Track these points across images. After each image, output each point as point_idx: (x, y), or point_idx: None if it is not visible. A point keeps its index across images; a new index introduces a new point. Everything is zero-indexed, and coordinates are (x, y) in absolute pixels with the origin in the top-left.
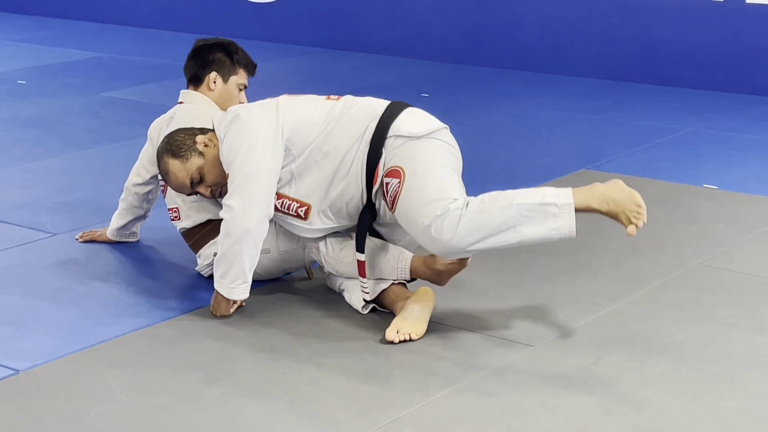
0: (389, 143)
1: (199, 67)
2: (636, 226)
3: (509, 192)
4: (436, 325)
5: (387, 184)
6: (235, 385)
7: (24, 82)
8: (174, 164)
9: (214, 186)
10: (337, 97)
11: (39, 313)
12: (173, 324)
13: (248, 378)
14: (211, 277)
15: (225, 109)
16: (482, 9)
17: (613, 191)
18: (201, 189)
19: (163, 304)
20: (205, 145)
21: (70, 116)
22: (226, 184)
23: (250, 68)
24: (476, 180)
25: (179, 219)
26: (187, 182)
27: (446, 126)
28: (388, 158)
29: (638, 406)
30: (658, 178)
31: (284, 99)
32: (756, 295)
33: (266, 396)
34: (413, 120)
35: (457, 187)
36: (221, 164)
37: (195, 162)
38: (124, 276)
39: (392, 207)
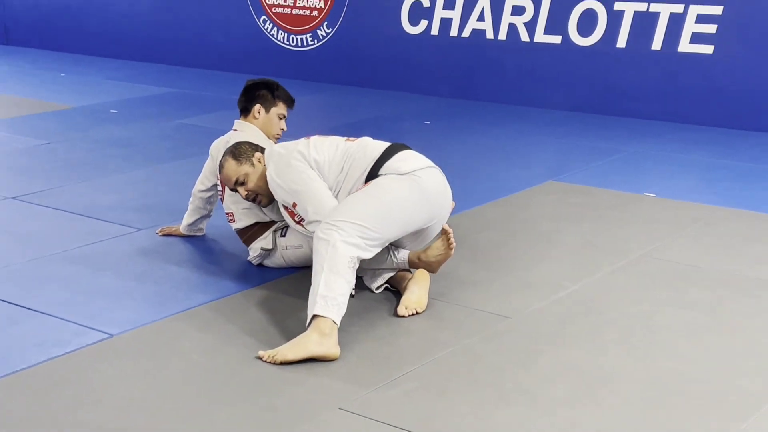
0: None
1: (247, 101)
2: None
3: (327, 265)
4: (435, 302)
5: None
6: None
7: (115, 111)
8: (230, 163)
9: (250, 192)
10: (354, 138)
11: (128, 290)
12: (231, 300)
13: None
14: (260, 265)
15: (268, 134)
16: (472, 55)
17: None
18: (240, 189)
19: (223, 284)
20: (258, 161)
21: (151, 138)
22: (260, 194)
23: (289, 102)
24: (468, 183)
25: (234, 221)
26: (233, 180)
27: (433, 166)
28: None
29: (594, 365)
30: (609, 188)
31: (314, 139)
32: (686, 279)
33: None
34: (402, 160)
35: (360, 218)
36: (262, 179)
37: (245, 168)
38: (194, 262)
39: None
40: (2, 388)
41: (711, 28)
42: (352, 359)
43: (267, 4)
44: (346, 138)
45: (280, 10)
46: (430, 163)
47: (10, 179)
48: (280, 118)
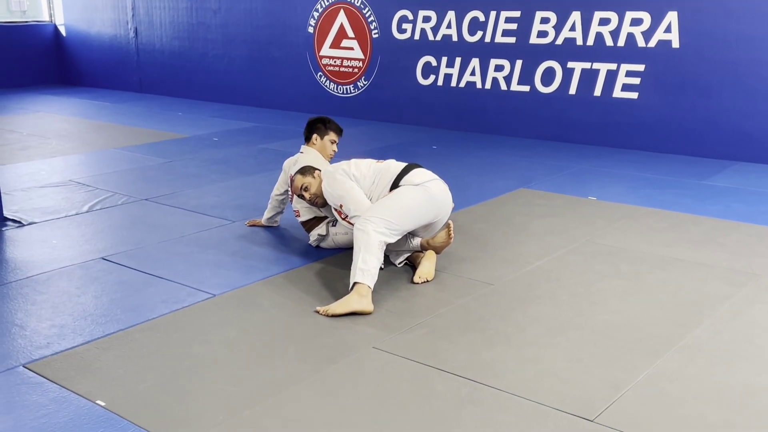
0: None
1: (308, 131)
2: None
3: (363, 247)
4: (440, 274)
5: None
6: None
7: (217, 139)
8: (298, 177)
9: (312, 195)
10: (382, 160)
11: (225, 263)
12: (297, 271)
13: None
14: (317, 246)
15: (324, 155)
16: (466, 99)
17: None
18: (305, 194)
19: (292, 260)
20: (316, 176)
21: (242, 158)
22: (317, 197)
23: (338, 131)
24: (463, 190)
25: (299, 216)
26: (299, 187)
27: (437, 178)
28: None
29: (552, 317)
30: (564, 194)
31: (354, 161)
32: (617, 257)
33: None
34: (416, 175)
35: (386, 215)
36: (319, 188)
37: (308, 180)
38: (271, 245)
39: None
40: (139, 331)
41: (636, 80)
42: (382, 312)
43: (322, 65)
44: (376, 160)
45: (331, 68)
46: (435, 176)
47: (144, 186)
48: (332, 143)
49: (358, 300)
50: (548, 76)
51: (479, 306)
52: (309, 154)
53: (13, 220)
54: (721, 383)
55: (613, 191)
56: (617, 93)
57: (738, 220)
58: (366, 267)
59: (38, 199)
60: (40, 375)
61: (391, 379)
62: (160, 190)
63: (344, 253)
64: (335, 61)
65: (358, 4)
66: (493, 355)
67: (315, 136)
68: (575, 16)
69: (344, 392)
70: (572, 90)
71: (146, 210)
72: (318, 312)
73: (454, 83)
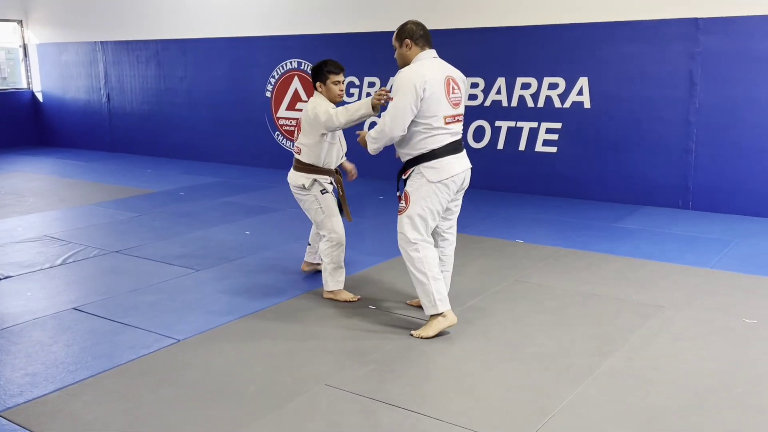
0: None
1: (312, 80)
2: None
3: (429, 275)
4: (387, 313)
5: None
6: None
7: (183, 194)
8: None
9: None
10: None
11: (189, 309)
12: (257, 315)
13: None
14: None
15: (332, 97)
16: None
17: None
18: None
19: (250, 305)
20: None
21: (206, 210)
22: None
23: (336, 70)
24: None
25: (299, 153)
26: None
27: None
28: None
29: (488, 352)
30: (494, 237)
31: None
32: (543, 294)
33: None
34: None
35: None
36: (402, 57)
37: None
38: (233, 291)
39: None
40: (108, 377)
41: (555, 136)
42: (335, 352)
43: (279, 125)
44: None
45: (287, 128)
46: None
47: (115, 239)
48: (335, 84)
49: (444, 320)
50: (479, 134)
51: (421, 342)
52: (316, 100)
53: None
54: (633, 406)
55: (538, 234)
56: (539, 147)
57: (645, 258)
58: (440, 296)
59: (14, 254)
60: (12, 422)
61: (341, 414)
62: (130, 242)
63: (304, 294)
64: (291, 122)
65: (310, 72)
66: (433, 387)
67: (318, 83)
68: (500, 82)
69: (299, 428)
70: (500, 145)
71: (117, 262)
72: (412, 335)
73: None
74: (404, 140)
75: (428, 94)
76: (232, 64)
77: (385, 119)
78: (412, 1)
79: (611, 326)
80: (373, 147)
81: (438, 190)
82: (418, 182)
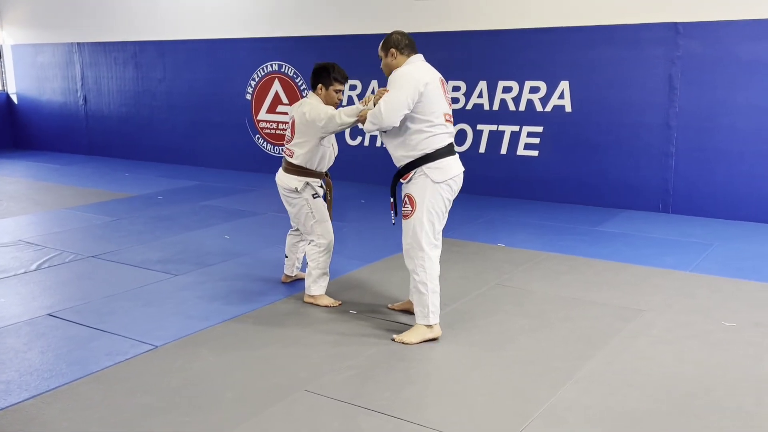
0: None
1: (314, 79)
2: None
3: (430, 286)
4: (368, 318)
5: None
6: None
7: (161, 198)
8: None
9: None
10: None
11: (167, 315)
12: (236, 321)
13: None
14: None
15: (330, 103)
16: (388, 159)
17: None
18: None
19: (229, 310)
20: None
21: (185, 214)
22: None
23: (342, 80)
24: (386, 236)
25: (291, 156)
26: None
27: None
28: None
29: (469, 356)
30: (476, 241)
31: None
32: (524, 298)
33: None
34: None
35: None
36: (390, 64)
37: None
38: (211, 296)
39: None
40: (84, 384)
41: (536, 140)
42: (313, 357)
43: (260, 128)
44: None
45: (268, 131)
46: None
47: (91, 244)
48: (337, 92)
49: (429, 332)
50: (460, 137)
51: (402, 347)
52: (312, 101)
53: None
54: (613, 410)
55: (519, 238)
56: (520, 151)
57: (626, 261)
58: (434, 309)
59: None
60: None
61: (321, 420)
62: (107, 247)
63: (285, 299)
64: (271, 125)
65: (291, 74)
66: (414, 392)
67: (320, 86)
68: (482, 85)
69: None
70: (482, 149)
71: (93, 267)
72: (393, 340)
73: (378, 144)
74: (404, 143)
75: (427, 89)
76: (212, 66)
77: (380, 107)
78: (393, 3)
79: (592, 330)
80: (369, 127)
81: (442, 191)
82: (422, 184)
